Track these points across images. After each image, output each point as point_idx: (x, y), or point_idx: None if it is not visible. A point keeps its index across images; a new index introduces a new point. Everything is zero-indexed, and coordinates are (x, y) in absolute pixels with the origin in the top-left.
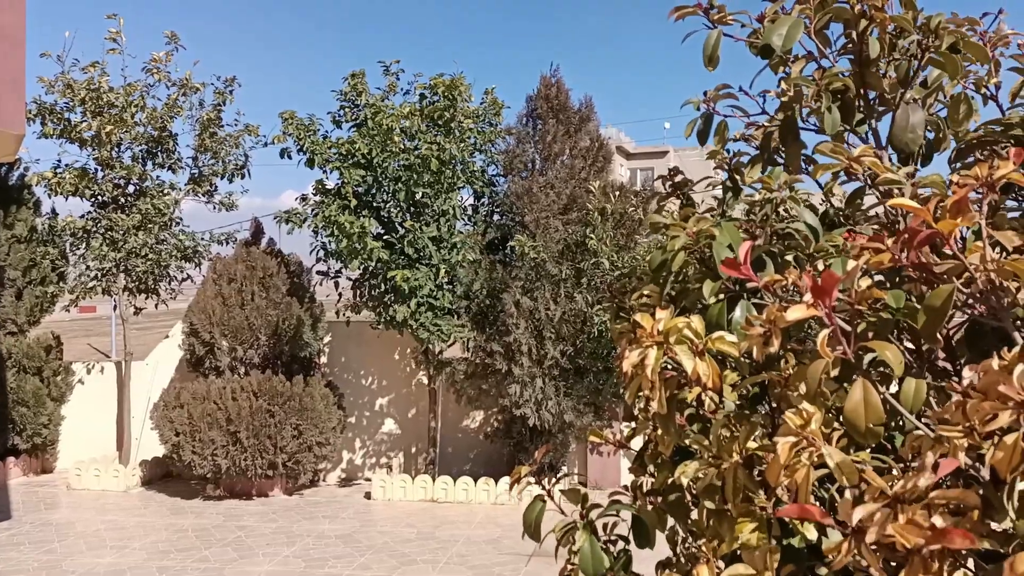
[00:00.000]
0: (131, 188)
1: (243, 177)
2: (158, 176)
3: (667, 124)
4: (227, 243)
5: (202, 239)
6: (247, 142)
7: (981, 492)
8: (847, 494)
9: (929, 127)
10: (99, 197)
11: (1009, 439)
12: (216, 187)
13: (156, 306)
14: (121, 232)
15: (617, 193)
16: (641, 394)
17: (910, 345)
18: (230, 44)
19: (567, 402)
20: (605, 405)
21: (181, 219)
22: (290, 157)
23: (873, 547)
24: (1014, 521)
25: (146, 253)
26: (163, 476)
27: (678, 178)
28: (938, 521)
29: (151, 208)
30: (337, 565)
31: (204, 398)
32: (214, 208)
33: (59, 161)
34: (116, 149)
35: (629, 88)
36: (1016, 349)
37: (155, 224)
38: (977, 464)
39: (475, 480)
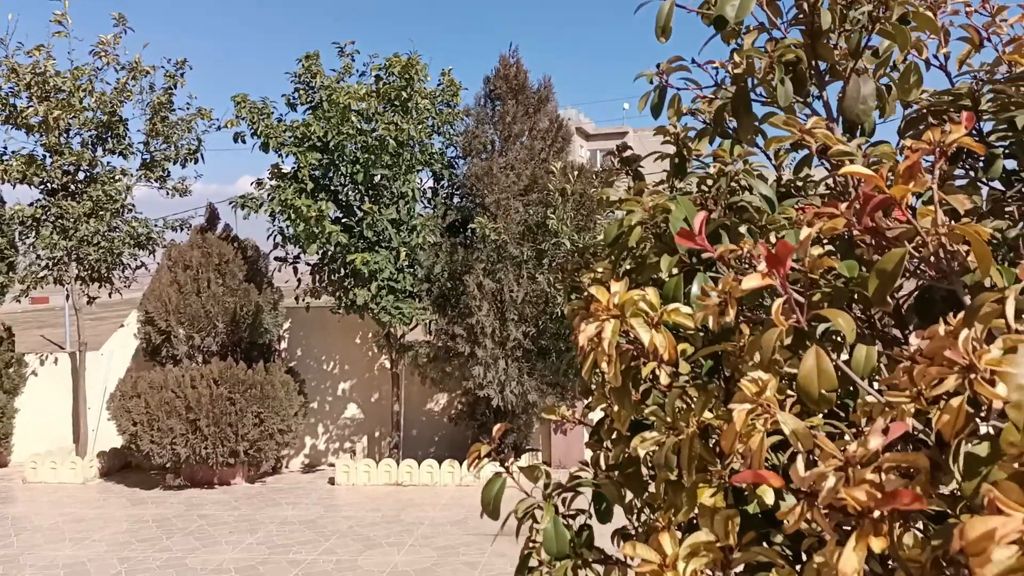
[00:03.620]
0: (81, 175)
1: (196, 162)
2: (109, 162)
3: (626, 105)
4: (182, 229)
5: (156, 226)
6: (200, 126)
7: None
8: (799, 459)
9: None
10: (48, 184)
11: (954, 403)
12: (169, 172)
13: (110, 295)
14: (72, 220)
15: (576, 173)
16: (597, 369)
17: (862, 316)
18: (182, 21)
19: (530, 382)
20: (568, 385)
21: (134, 206)
22: (244, 141)
23: (825, 511)
24: (960, 483)
25: (98, 241)
26: (122, 467)
27: (627, 153)
28: (888, 483)
29: (102, 195)
30: (302, 551)
31: (162, 387)
32: (167, 194)
33: (5, 148)
34: (64, 135)
35: (588, 69)
36: (962, 314)
37: (107, 211)
38: (926, 428)
39: (440, 463)
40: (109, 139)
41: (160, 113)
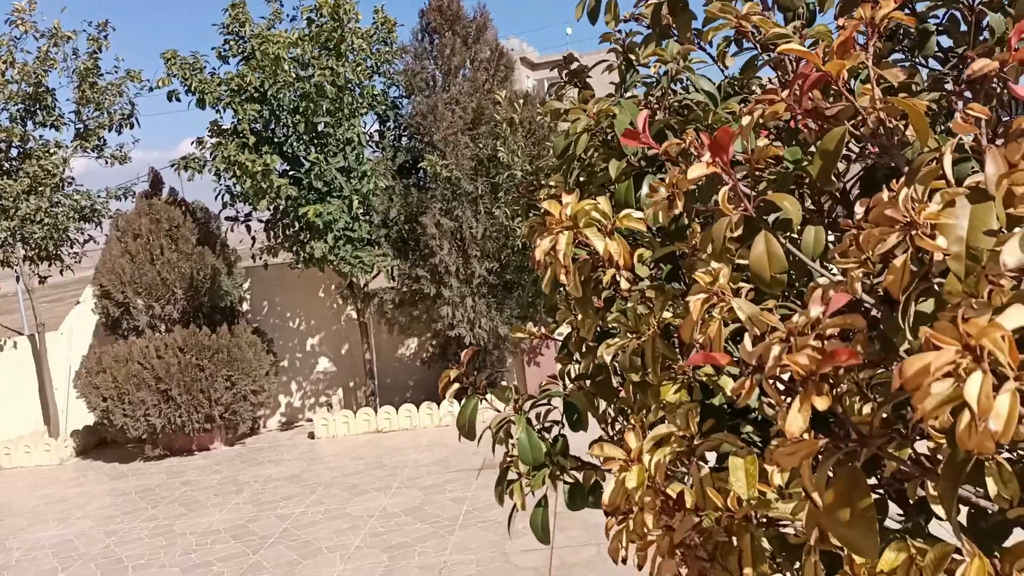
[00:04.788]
0: (14, 151)
1: (132, 127)
2: (41, 135)
3: (569, 30)
4: (126, 198)
5: (99, 197)
6: (131, 89)
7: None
8: (746, 336)
9: None
10: None
11: (898, 261)
12: (105, 141)
13: (62, 272)
14: (11, 199)
15: (522, 102)
16: (561, 288)
17: (812, 206)
18: None
19: (499, 317)
20: (537, 317)
21: (73, 179)
22: (179, 99)
23: (774, 383)
24: (910, 341)
25: (41, 218)
26: (98, 444)
27: (574, 66)
28: (830, 347)
29: (39, 170)
30: (289, 505)
31: (127, 360)
32: (106, 163)
33: None
34: None
35: None
36: (902, 179)
37: (46, 186)
38: (871, 299)
39: (417, 406)
40: (38, 111)
41: (88, 79)
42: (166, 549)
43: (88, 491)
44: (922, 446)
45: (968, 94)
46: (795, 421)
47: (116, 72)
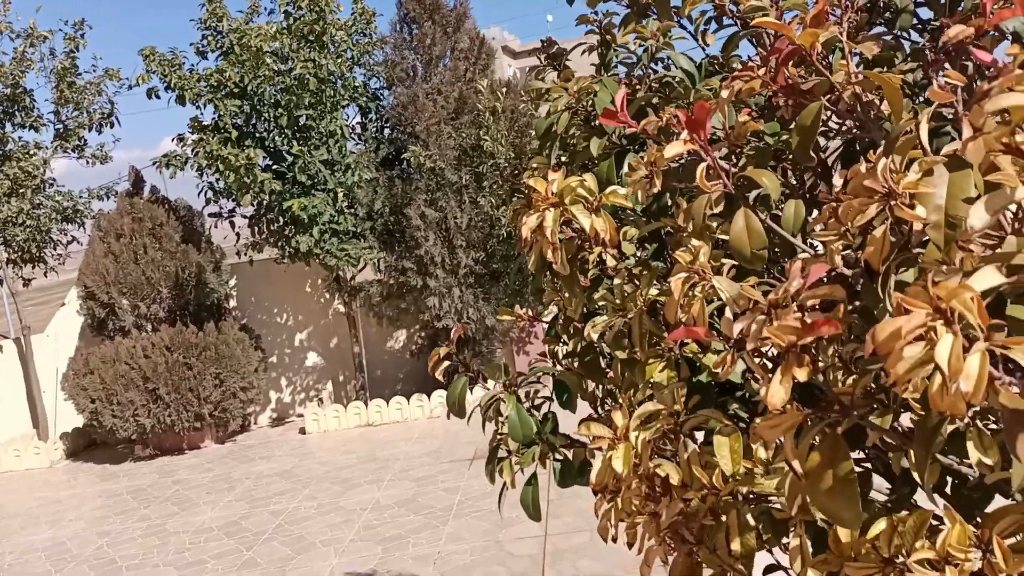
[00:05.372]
0: None
1: (112, 126)
2: (20, 137)
3: (549, 17)
4: (108, 198)
5: (81, 197)
6: (110, 88)
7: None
8: (727, 310)
9: None
10: None
11: (877, 232)
12: (85, 140)
13: (46, 274)
14: None
15: (504, 90)
16: (547, 273)
17: (793, 182)
18: None
19: (487, 307)
20: (524, 306)
21: (54, 179)
22: (158, 96)
23: (759, 357)
24: (890, 312)
25: (23, 221)
26: (87, 445)
27: (554, 49)
28: (810, 318)
29: (19, 172)
30: (282, 500)
31: (115, 360)
32: (87, 163)
33: None
34: None
35: None
36: (880, 150)
37: (27, 188)
38: (854, 265)
39: (408, 398)
40: (16, 112)
41: (66, 79)
42: (159, 548)
43: (79, 493)
44: (906, 420)
45: (947, 65)
46: (777, 392)
47: (94, 71)
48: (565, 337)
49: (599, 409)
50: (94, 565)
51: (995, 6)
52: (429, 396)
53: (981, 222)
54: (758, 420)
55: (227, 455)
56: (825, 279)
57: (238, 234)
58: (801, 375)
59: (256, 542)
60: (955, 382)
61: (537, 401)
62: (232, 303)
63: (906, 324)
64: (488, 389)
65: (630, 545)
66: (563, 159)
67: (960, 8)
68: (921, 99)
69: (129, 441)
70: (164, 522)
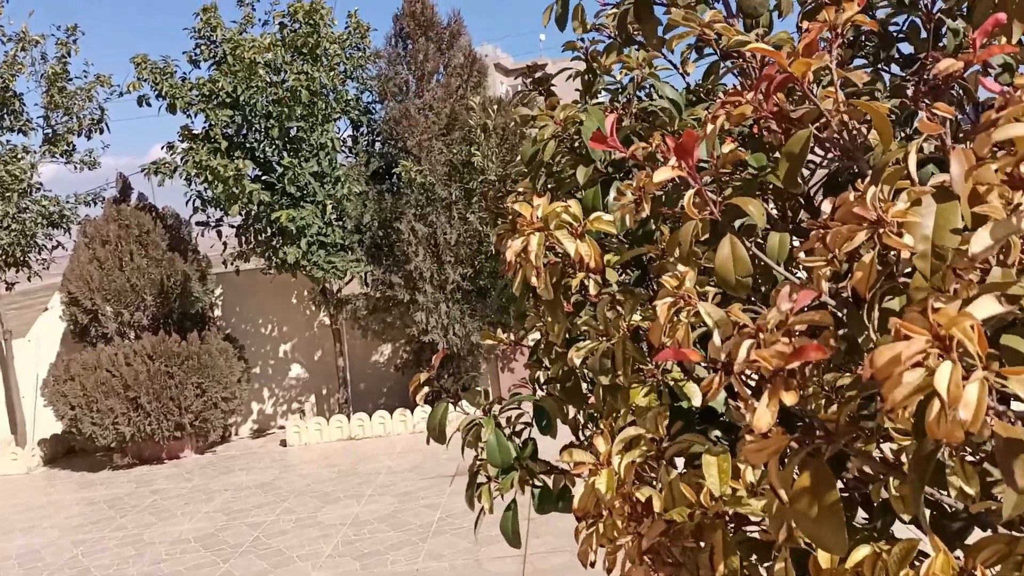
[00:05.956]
0: None
1: (101, 132)
2: (8, 140)
3: (542, 36)
4: (95, 204)
5: (68, 202)
6: (100, 94)
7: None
8: (715, 334)
9: None
10: None
11: (866, 258)
12: (74, 146)
13: (29, 279)
14: None
15: (496, 107)
16: (530, 296)
17: (778, 211)
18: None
19: (473, 324)
20: (509, 324)
21: (41, 184)
22: (149, 104)
23: (743, 380)
24: (875, 340)
25: (8, 224)
26: (66, 452)
27: (539, 74)
28: (797, 343)
29: (6, 175)
30: (260, 513)
31: (96, 367)
32: (75, 168)
33: None
34: None
35: (502, 2)
36: (868, 179)
37: (13, 192)
38: (841, 292)
39: (391, 413)
40: (5, 116)
41: (56, 84)
42: (135, 559)
43: (56, 500)
44: (886, 449)
45: (926, 100)
46: (763, 416)
47: (85, 77)
48: (547, 362)
49: (580, 435)
50: (68, 574)
51: (984, 41)
52: (412, 411)
53: (983, 247)
54: (747, 438)
55: (207, 466)
56: (806, 308)
57: (225, 243)
58: (788, 399)
59: (233, 555)
60: (954, 409)
61: (518, 427)
62: (217, 312)
63: (906, 350)
64: (467, 413)
65: (608, 571)
66: (549, 185)
67: (943, 44)
68: (903, 134)
69: (108, 449)
70: (141, 532)
